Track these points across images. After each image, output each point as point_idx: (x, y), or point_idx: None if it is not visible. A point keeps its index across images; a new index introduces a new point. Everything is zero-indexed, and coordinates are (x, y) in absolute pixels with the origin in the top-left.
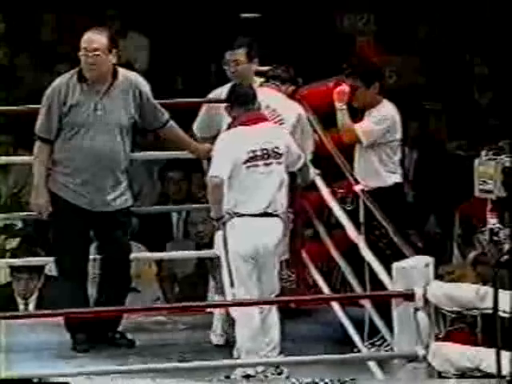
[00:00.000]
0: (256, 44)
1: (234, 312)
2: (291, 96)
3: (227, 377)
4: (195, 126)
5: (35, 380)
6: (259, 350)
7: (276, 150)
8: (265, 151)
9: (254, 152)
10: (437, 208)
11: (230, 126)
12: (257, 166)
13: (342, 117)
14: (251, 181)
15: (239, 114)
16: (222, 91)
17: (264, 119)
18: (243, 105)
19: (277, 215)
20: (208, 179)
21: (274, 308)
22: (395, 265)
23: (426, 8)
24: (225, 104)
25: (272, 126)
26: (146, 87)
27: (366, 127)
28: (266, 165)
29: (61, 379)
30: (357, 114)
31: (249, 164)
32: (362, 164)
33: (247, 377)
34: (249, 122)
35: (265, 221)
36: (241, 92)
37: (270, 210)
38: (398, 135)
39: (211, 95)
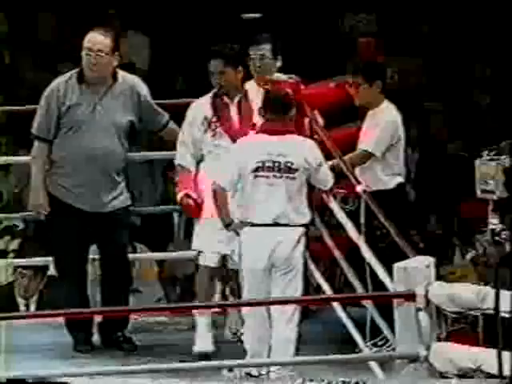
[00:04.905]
0: (279, 41)
1: (244, 314)
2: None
3: (230, 370)
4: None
5: (32, 380)
6: (264, 352)
7: (288, 164)
8: (276, 164)
9: (263, 163)
10: (438, 208)
11: (258, 131)
12: (266, 177)
13: (346, 162)
14: (260, 191)
15: (268, 120)
16: None
17: (289, 131)
18: (272, 111)
19: (289, 225)
20: (211, 185)
21: (293, 324)
22: (396, 265)
23: (428, 9)
24: (259, 107)
25: (295, 140)
26: (144, 90)
27: (372, 140)
28: (276, 177)
29: (62, 379)
30: (357, 115)
31: (257, 174)
32: (363, 169)
33: (250, 375)
34: (271, 131)
35: (276, 231)
36: (272, 98)
37: (281, 222)
38: (401, 136)
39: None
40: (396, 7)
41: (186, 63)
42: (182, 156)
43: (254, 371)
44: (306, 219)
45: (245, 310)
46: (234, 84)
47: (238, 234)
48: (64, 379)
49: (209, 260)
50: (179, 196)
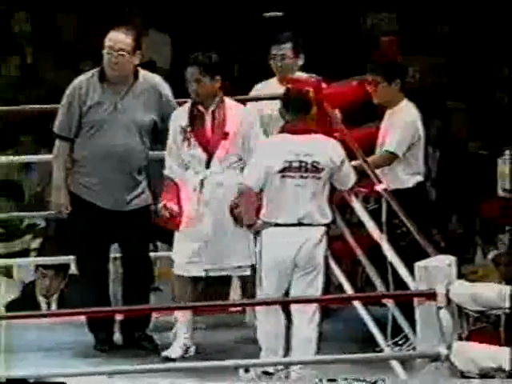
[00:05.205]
0: (301, 39)
1: (257, 310)
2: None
3: (247, 370)
4: None
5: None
6: (279, 349)
7: (315, 164)
8: (303, 164)
9: (290, 163)
10: (459, 207)
11: (281, 131)
12: (292, 177)
13: (368, 162)
14: (286, 191)
15: (289, 120)
16: (259, 87)
17: (312, 130)
18: (294, 111)
19: (313, 224)
20: (238, 185)
21: (314, 324)
22: (417, 264)
23: (449, 7)
24: (279, 107)
25: (320, 139)
26: (166, 89)
27: (394, 141)
28: (303, 177)
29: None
30: (376, 114)
31: (283, 174)
32: (384, 168)
33: (266, 373)
34: (294, 131)
35: (301, 230)
36: (293, 97)
37: (306, 221)
38: (420, 135)
39: (253, 91)
40: (417, 6)
41: None
42: (168, 166)
43: (271, 368)
44: (328, 219)
45: (260, 307)
46: (210, 93)
47: (258, 233)
48: (80, 378)
49: (176, 269)
50: (158, 207)
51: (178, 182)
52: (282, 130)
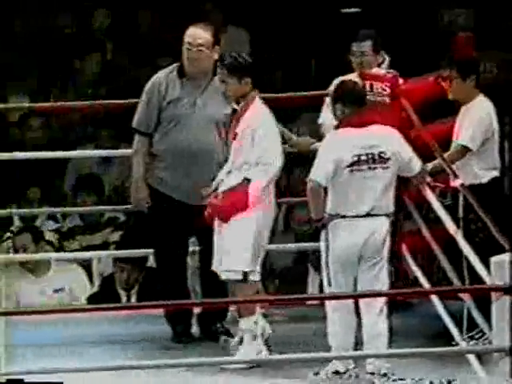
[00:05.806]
0: (380, 37)
1: (328, 308)
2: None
3: (316, 373)
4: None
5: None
6: (349, 347)
7: (382, 154)
8: (370, 155)
9: (359, 156)
10: None
11: (338, 126)
12: (361, 170)
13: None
14: (354, 184)
15: (347, 114)
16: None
17: (373, 121)
18: (351, 104)
19: (382, 215)
20: (307, 181)
21: (383, 317)
22: (493, 258)
23: None
24: (330, 101)
25: (380, 130)
26: None
27: (467, 134)
28: (371, 169)
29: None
30: (453, 108)
31: (352, 168)
32: (458, 163)
33: (337, 373)
34: (356, 124)
35: (368, 221)
36: (348, 89)
37: (374, 212)
38: (495, 130)
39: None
40: (494, 2)
41: (285, 58)
42: None
43: (341, 367)
44: (392, 209)
45: (330, 303)
46: (238, 94)
47: (324, 226)
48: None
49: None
50: None
51: None
52: (343, 125)
